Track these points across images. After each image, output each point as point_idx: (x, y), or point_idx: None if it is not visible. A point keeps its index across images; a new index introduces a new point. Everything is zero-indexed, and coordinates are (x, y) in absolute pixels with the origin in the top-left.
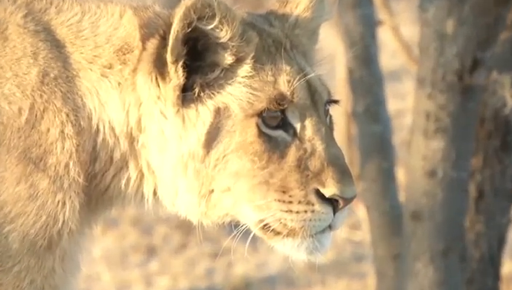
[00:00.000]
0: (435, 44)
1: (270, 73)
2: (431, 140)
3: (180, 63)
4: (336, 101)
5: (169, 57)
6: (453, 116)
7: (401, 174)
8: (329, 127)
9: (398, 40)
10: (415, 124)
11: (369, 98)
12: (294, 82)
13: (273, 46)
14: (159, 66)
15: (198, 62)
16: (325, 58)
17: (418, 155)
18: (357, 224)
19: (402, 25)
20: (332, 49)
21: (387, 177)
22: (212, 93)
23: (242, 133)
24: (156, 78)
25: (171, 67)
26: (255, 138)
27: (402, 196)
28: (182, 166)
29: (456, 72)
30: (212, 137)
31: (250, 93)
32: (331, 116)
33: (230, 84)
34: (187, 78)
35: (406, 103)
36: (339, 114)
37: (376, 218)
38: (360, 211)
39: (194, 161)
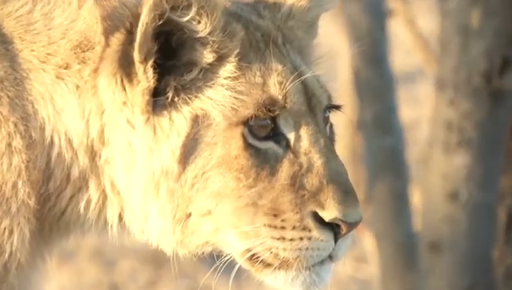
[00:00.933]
0: (457, 39)
1: (258, 73)
2: (453, 155)
3: (150, 62)
4: (337, 107)
5: (137, 55)
6: (479, 127)
7: (416, 197)
8: (330, 138)
9: (414, 35)
10: (433, 136)
11: (378, 104)
12: (287, 84)
13: (262, 41)
14: (125, 66)
15: (172, 61)
16: (325, 55)
17: (437, 174)
18: (364, 257)
19: (418, 16)
20: (334, 45)
21: (400, 200)
22: (189, 98)
23: (225, 146)
24: (122, 81)
25: (139, 67)
26: (240, 151)
27: (418, 223)
28: (153, 185)
29: (482, 73)
30: (188, 150)
31: (235, 97)
32: (331, 125)
33: (210, 86)
34: (159, 80)
35: (422, 110)
36: (341, 123)
37: (387, 249)
38: (367, 240)
39: (167, 179)
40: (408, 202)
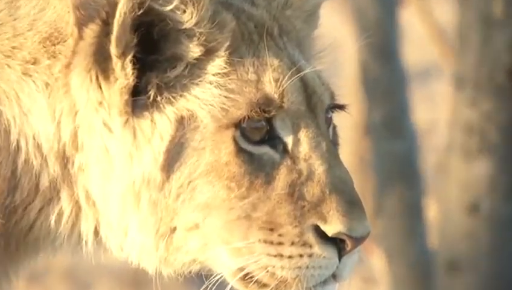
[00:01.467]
0: (478, 31)
1: (251, 69)
2: (473, 163)
3: (129, 57)
4: (342, 107)
5: (114, 49)
6: (503, 130)
7: (432, 209)
8: (333, 142)
9: (429, 26)
10: (451, 141)
11: (388, 105)
12: (284, 81)
13: (255, 32)
14: (101, 61)
15: (153, 55)
16: (327, 48)
17: (455, 183)
18: (373, 277)
19: (434, 4)
20: (338, 37)
21: (413, 213)
22: (173, 97)
23: (214, 151)
24: (97, 78)
25: (116, 63)
26: (231, 157)
27: (434, 239)
28: (133, 196)
29: (506, 69)
30: (173, 156)
31: (225, 96)
32: (335, 127)
33: (197, 84)
34: (139, 77)
35: (439, 111)
36: (347, 125)
37: (398, 268)
38: (376, 258)
39: (149, 189)
40: (422, 215)
